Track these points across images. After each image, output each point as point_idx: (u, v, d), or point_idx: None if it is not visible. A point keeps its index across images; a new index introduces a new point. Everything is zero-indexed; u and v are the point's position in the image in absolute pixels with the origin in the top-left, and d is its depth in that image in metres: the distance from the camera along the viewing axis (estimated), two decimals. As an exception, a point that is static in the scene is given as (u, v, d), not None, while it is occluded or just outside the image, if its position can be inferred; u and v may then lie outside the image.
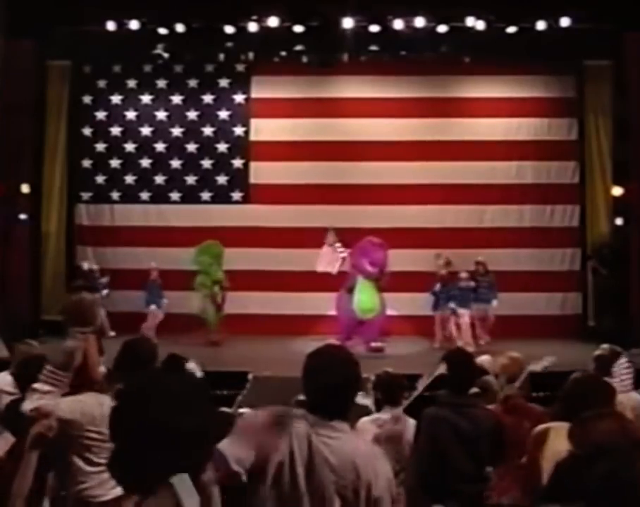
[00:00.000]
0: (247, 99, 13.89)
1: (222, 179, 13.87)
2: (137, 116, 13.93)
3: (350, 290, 11.60)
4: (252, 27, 12.22)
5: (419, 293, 12.26)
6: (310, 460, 2.47)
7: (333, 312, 11.89)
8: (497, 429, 3.98)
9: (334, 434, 2.51)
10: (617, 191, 12.73)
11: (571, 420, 3.49)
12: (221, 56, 13.26)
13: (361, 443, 2.67)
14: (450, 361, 4.04)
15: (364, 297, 11.46)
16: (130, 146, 13.91)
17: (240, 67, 13.76)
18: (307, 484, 2.46)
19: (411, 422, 4.85)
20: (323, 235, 12.01)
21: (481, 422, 3.90)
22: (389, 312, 11.74)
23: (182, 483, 1.77)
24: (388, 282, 11.52)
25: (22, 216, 12.72)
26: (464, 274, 11.92)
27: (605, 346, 5.18)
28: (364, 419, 5.04)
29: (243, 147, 13.87)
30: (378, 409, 5.37)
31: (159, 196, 13.85)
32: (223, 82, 13.90)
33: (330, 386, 2.55)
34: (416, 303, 12.29)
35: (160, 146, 13.90)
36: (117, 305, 12.83)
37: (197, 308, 12.00)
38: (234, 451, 2.40)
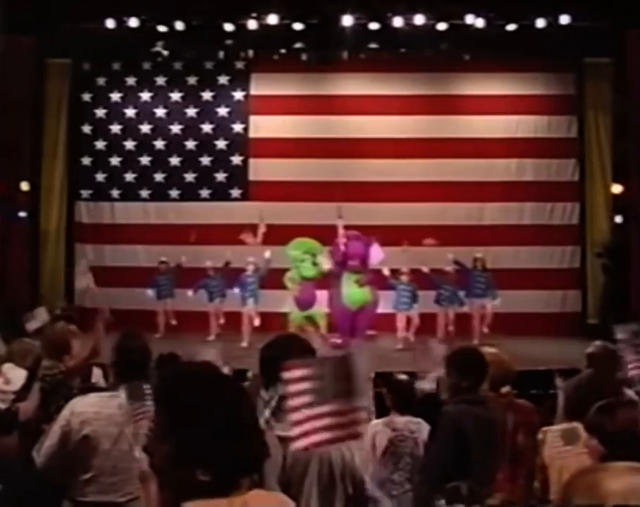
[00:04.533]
0: (246, 96, 13.88)
1: (221, 177, 13.87)
2: (137, 113, 13.92)
3: (338, 286, 11.60)
4: (252, 24, 12.21)
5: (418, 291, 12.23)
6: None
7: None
8: (504, 421, 4.00)
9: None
10: (616, 188, 12.74)
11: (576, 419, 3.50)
12: (221, 53, 13.26)
13: None
14: (460, 359, 4.02)
15: (352, 289, 11.46)
16: (129, 144, 13.90)
17: (240, 65, 13.76)
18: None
19: (425, 425, 4.85)
20: (322, 233, 11.98)
21: (495, 414, 3.91)
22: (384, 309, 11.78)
23: None
24: (370, 275, 11.51)
25: (22, 214, 12.73)
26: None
27: (598, 343, 5.11)
28: (377, 421, 5.01)
29: (242, 144, 13.87)
30: (380, 412, 5.33)
31: (159, 194, 13.85)
32: (223, 79, 13.89)
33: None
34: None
35: (159, 144, 13.88)
36: (117, 303, 12.82)
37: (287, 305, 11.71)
38: None
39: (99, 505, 3.58)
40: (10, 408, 4.10)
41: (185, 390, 1.74)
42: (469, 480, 3.46)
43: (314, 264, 11.68)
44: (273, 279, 11.90)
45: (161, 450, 1.74)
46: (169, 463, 1.72)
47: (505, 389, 4.44)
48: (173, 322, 12.50)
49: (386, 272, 11.74)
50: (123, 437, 3.60)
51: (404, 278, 11.80)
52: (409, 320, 11.84)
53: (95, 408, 3.63)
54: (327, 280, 11.83)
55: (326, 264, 11.62)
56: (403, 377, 5.42)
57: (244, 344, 11.52)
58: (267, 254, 11.91)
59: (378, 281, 11.72)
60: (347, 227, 12.06)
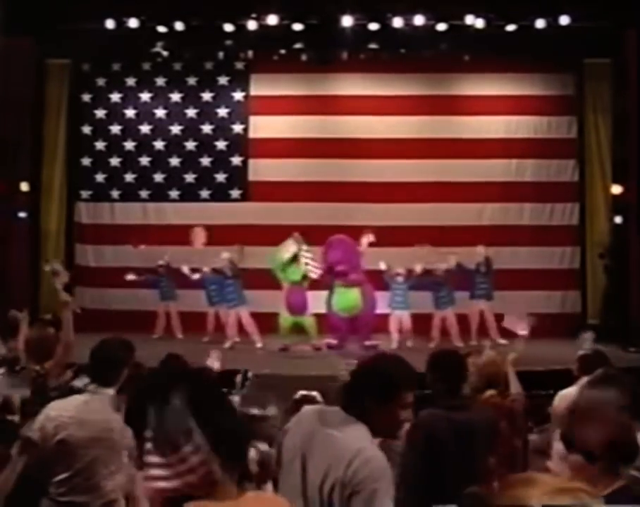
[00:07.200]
0: (246, 97, 13.88)
1: (221, 177, 13.87)
2: (137, 114, 13.92)
3: (330, 294, 11.65)
4: (251, 25, 12.21)
5: (418, 291, 12.22)
6: (308, 454, 2.65)
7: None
8: (493, 425, 3.96)
9: (343, 428, 2.65)
10: (616, 189, 12.74)
11: None
12: (220, 54, 13.25)
13: (362, 441, 2.68)
14: (440, 362, 4.00)
15: (341, 297, 11.48)
16: (129, 144, 13.90)
17: (239, 65, 13.76)
18: (302, 474, 2.64)
19: None
20: (322, 233, 11.99)
21: (477, 418, 3.88)
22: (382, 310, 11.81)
23: None
24: (361, 275, 11.51)
25: (22, 214, 12.74)
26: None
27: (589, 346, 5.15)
28: None
29: (242, 144, 13.87)
30: None
31: (158, 194, 13.84)
32: (222, 80, 13.89)
33: (346, 384, 2.83)
34: (416, 301, 12.26)
35: (159, 144, 13.89)
36: (116, 304, 12.88)
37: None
38: None
39: (75, 505, 3.62)
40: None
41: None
42: (446, 479, 3.46)
43: (296, 263, 11.63)
44: (264, 279, 11.89)
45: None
46: None
47: (489, 393, 4.43)
48: (179, 335, 12.19)
49: (383, 266, 11.75)
50: (102, 441, 3.62)
51: (399, 278, 11.81)
52: (401, 322, 11.85)
53: (71, 412, 3.66)
54: (317, 284, 11.83)
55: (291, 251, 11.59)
56: None
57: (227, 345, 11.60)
58: (225, 255, 11.84)
59: (375, 280, 11.73)
60: (347, 228, 12.11)
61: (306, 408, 2.94)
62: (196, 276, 12.04)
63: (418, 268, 11.83)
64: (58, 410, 3.68)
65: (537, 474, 1.54)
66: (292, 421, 2.87)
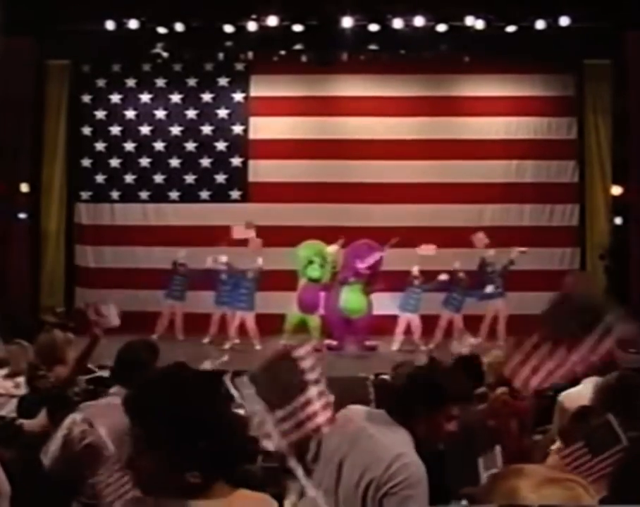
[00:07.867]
0: (246, 98, 13.88)
1: (221, 178, 13.87)
2: (137, 115, 13.92)
3: (338, 289, 11.63)
4: (251, 26, 12.22)
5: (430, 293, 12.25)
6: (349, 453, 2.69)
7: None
8: (500, 424, 3.98)
9: (386, 431, 2.69)
10: (616, 190, 12.74)
11: None
12: (220, 55, 13.27)
13: (404, 446, 2.70)
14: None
15: (351, 297, 11.51)
16: (129, 145, 13.90)
17: (239, 66, 13.76)
18: (339, 472, 2.69)
19: None
20: (322, 234, 12.01)
21: (483, 417, 3.90)
22: (385, 311, 11.82)
23: None
24: (378, 286, 11.61)
25: (22, 215, 12.74)
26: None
27: None
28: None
29: (242, 145, 13.87)
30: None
31: (158, 195, 13.84)
32: (222, 81, 13.89)
33: (395, 389, 2.96)
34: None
35: (159, 145, 13.88)
36: (116, 305, 12.82)
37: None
38: None
39: None
40: (14, 421, 4.08)
41: (150, 403, 1.77)
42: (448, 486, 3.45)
43: (322, 266, 11.70)
44: (270, 280, 11.88)
45: (144, 463, 1.77)
46: (154, 473, 1.75)
47: (501, 390, 4.43)
48: (180, 337, 12.14)
49: (414, 270, 11.86)
50: (128, 444, 3.60)
51: (416, 282, 11.86)
52: (409, 324, 11.86)
53: (98, 416, 3.64)
54: (332, 284, 11.88)
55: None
56: (386, 377, 5.46)
57: (227, 346, 11.59)
58: (260, 261, 11.84)
59: (395, 283, 11.75)
60: (347, 228, 12.11)
61: (353, 408, 2.96)
62: (216, 264, 11.98)
63: (442, 276, 11.86)
64: (86, 414, 3.66)
65: (528, 466, 1.56)
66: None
